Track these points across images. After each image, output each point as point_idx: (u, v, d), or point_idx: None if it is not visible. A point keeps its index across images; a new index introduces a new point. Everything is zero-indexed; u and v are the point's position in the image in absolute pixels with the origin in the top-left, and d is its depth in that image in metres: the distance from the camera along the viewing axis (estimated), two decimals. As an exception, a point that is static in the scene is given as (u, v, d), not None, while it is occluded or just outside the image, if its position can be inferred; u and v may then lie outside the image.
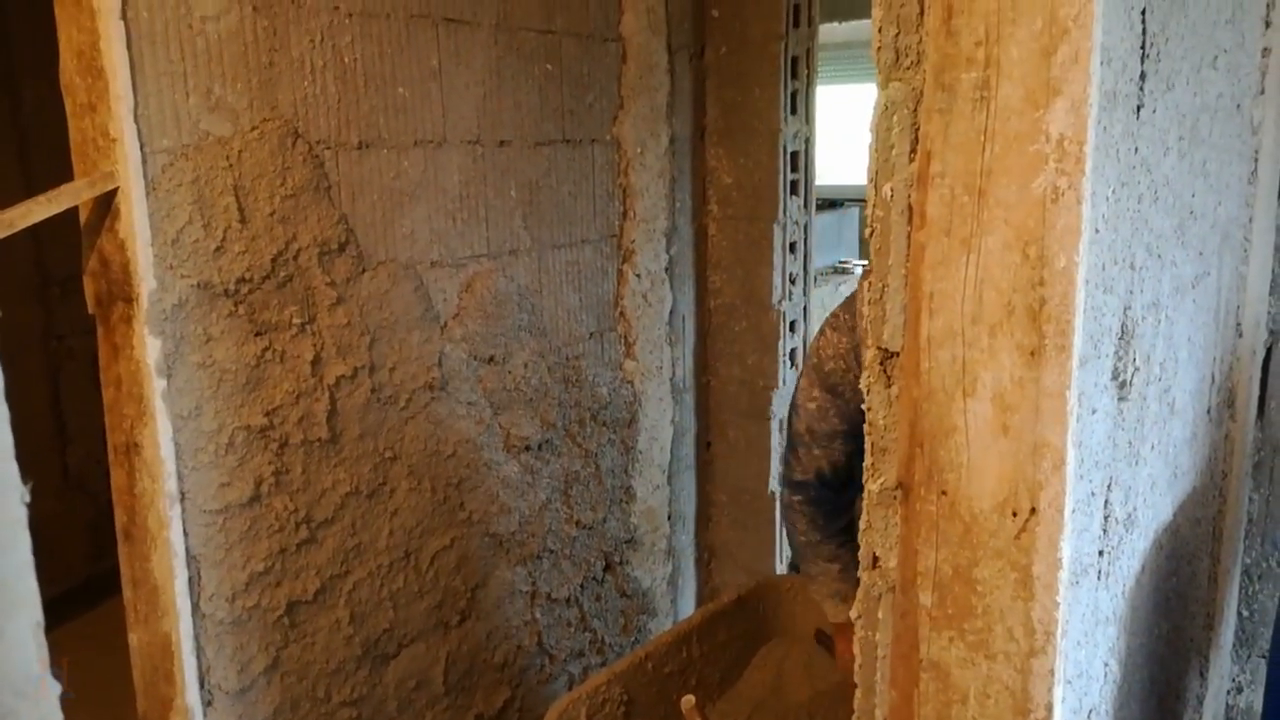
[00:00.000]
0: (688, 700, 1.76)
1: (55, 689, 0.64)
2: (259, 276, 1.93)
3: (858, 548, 1.70)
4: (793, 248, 3.12)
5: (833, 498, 1.89)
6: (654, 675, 1.89)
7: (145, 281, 1.76)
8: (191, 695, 1.90)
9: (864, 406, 1.79)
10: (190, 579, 1.88)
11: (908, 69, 1.03)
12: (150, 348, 1.77)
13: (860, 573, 1.15)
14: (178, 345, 1.82)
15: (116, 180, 1.72)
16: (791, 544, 2.07)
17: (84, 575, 3.73)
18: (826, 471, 1.87)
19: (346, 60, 2.04)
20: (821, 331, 1.85)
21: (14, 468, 0.62)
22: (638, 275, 2.91)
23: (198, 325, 1.84)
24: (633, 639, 3.07)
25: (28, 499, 0.62)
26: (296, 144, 1.96)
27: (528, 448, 2.59)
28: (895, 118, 1.04)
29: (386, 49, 2.12)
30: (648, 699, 1.87)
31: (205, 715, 1.94)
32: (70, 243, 1.82)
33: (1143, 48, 1.05)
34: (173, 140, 1.78)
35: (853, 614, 1.17)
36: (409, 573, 2.31)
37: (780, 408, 3.12)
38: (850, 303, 1.81)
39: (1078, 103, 0.91)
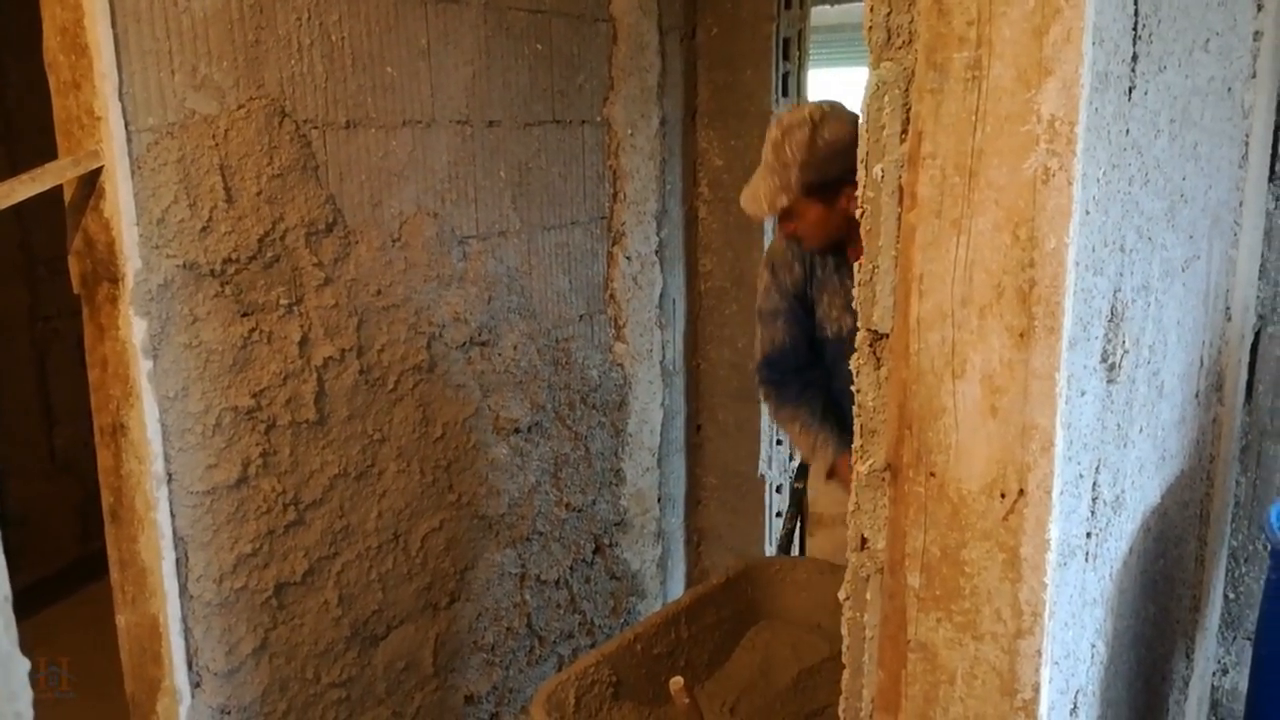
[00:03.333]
0: (676, 681, 1.76)
1: (24, 665, 0.63)
2: (245, 257, 1.91)
3: (810, 408, 2.30)
4: (783, 231, 3.14)
5: (778, 377, 2.31)
6: (643, 657, 1.89)
7: (130, 261, 1.74)
8: (180, 676, 1.90)
9: (794, 289, 2.27)
10: (178, 560, 1.87)
11: (899, 48, 1.03)
12: (136, 328, 1.76)
13: (848, 554, 1.16)
14: (164, 326, 1.80)
15: (101, 159, 1.70)
16: (771, 418, 2.74)
17: (72, 557, 3.72)
18: (773, 353, 2.30)
19: (334, 38, 2.02)
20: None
21: None
22: (628, 258, 2.90)
23: (184, 305, 1.83)
24: (622, 621, 3.08)
25: None
26: (283, 123, 1.95)
27: (517, 430, 2.59)
28: (886, 98, 1.04)
29: (374, 27, 2.10)
30: (636, 680, 1.87)
31: (194, 696, 1.93)
32: (56, 223, 1.80)
33: (1135, 29, 1.04)
34: (158, 119, 1.76)
35: (841, 595, 1.17)
36: (398, 555, 2.30)
37: (770, 391, 3.12)
38: None
39: (1069, 83, 0.90)
